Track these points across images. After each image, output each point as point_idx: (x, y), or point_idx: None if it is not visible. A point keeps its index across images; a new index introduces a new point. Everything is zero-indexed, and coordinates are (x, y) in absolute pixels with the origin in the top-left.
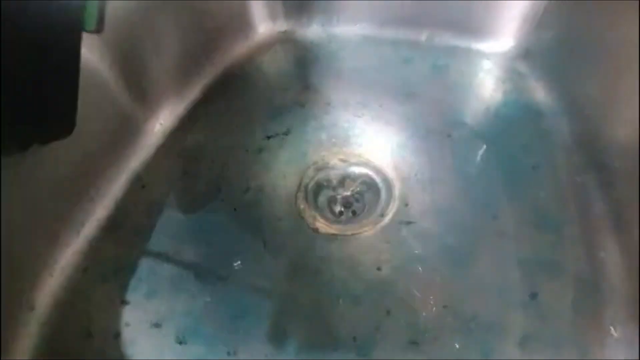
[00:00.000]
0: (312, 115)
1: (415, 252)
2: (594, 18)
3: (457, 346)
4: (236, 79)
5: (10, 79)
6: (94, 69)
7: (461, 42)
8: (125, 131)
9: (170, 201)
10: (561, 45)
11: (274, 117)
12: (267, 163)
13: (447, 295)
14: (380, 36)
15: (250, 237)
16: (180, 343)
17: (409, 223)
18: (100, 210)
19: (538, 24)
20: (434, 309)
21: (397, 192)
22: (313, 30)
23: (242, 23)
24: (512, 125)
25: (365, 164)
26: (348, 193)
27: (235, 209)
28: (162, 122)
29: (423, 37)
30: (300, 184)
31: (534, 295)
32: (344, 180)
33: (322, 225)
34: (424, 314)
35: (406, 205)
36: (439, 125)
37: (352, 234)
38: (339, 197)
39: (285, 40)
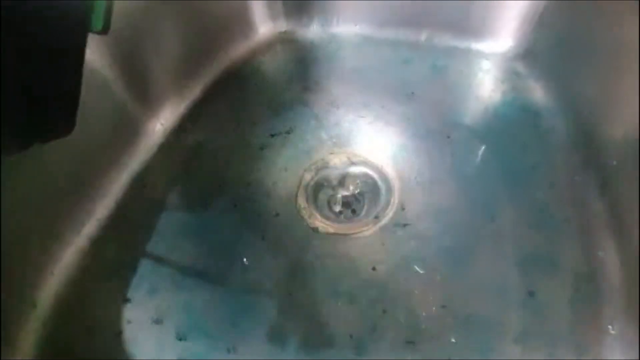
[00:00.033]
0: (313, 115)
1: (413, 251)
2: (593, 19)
3: (454, 346)
4: (237, 79)
5: (12, 76)
6: (94, 68)
7: (460, 43)
8: (126, 131)
9: (170, 200)
10: (560, 45)
11: (274, 117)
12: (268, 162)
13: (445, 295)
14: (380, 36)
15: (250, 235)
16: (181, 340)
17: (408, 223)
18: (101, 210)
19: (537, 24)
20: (433, 308)
21: (396, 192)
22: (313, 31)
23: (242, 23)
24: (511, 125)
25: (366, 164)
26: (348, 192)
27: (235, 205)
28: (162, 122)
29: (422, 37)
30: (300, 183)
31: (532, 294)
32: (344, 179)
33: (322, 225)
34: (423, 313)
35: (405, 205)
36: (438, 126)
37: (352, 233)
38: (338, 196)
39: (286, 40)
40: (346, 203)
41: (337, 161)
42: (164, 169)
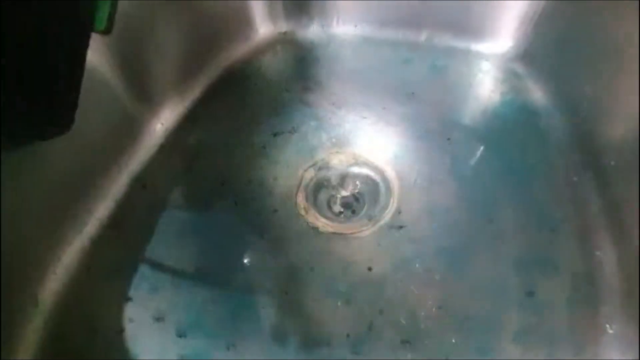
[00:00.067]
0: (313, 115)
1: (412, 251)
2: (592, 19)
3: (453, 346)
4: (237, 80)
5: (13, 74)
6: (94, 68)
7: (460, 43)
8: (126, 131)
9: (171, 200)
10: (559, 46)
11: (274, 117)
12: (268, 162)
13: (444, 295)
14: (380, 37)
15: (250, 234)
16: (181, 337)
17: (407, 223)
18: (102, 210)
19: (536, 25)
20: (430, 309)
21: (396, 192)
22: (313, 31)
23: (242, 24)
24: (510, 126)
25: (367, 165)
26: (348, 193)
27: (236, 203)
28: (163, 122)
29: (422, 38)
30: (300, 183)
31: (530, 294)
32: (344, 180)
33: (322, 224)
34: (422, 313)
35: (405, 205)
36: (438, 127)
37: (351, 233)
38: (338, 196)
39: (286, 41)
40: (346, 203)
41: (337, 161)
42: (164, 169)
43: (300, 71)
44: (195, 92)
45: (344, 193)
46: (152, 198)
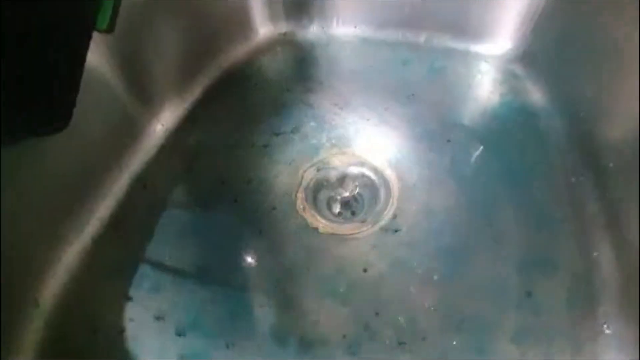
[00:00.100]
0: (313, 115)
1: (411, 252)
2: (591, 20)
3: (448, 347)
4: (237, 80)
5: (13, 70)
6: (95, 69)
7: (459, 44)
8: (126, 131)
9: (171, 200)
10: (558, 47)
11: (273, 118)
12: (268, 162)
13: (442, 295)
14: (380, 38)
15: (249, 233)
16: (181, 335)
17: (406, 224)
18: (103, 210)
19: (535, 26)
20: (429, 309)
21: (396, 193)
22: (313, 32)
23: (242, 25)
24: (510, 127)
25: (367, 166)
26: (348, 193)
27: (236, 200)
28: (163, 122)
29: (422, 39)
30: (300, 183)
31: (529, 294)
32: (344, 180)
33: (321, 225)
34: (420, 314)
35: (405, 205)
36: (437, 127)
37: (351, 234)
38: (338, 197)
39: (286, 42)
40: (346, 204)
41: (337, 162)
42: (164, 169)
43: (300, 72)
44: (195, 92)
45: (344, 194)
46: (152, 198)
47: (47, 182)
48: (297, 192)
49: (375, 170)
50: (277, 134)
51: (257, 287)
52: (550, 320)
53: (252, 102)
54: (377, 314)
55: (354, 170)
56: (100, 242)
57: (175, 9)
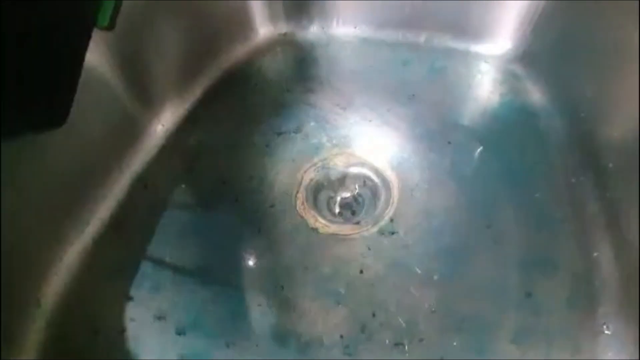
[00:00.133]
0: (313, 116)
1: (412, 252)
2: (592, 20)
3: (449, 347)
4: (237, 81)
5: (12, 65)
6: (95, 69)
7: (459, 45)
8: (127, 132)
9: (172, 200)
10: (558, 47)
11: (273, 118)
12: (269, 162)
13: (442, 296)
14: (380, 38)
15: (250, 235)
16: (182, 335)
17: (407, 224)
18: (104, 210)
19: (535, 26)
20: (429, 310)
21: (396, 193)
22: (313, 32)
23: (243, 25)
24: (510, 127)
25: (368, 166)
26: (348, 194)
27: (237, 200)
28: (163, 123)
29: (422, 39)
30: (300, 184)
31: (529, 295)
32: (345, 180)
33: (321, 225)
34: (421, 314)
35: (406, 206)
36: (438, 128)
37: (351, 234)
38: (338, 197)
39: (286, 42)
40: (346, 204)
41: (338, 162)
42: (165, 170)
43: (301, 72)
44: (195, 93)
45: (344, 194)
46: (153, 198)
47: (48, 182)
48: (297, 192)
49: (376, 170)
50: (278, 134)
51: (257, 287)
52: (550, 321)
53: (253, 102)
54: (374, 314)
55: (355, 170)
56: (101, 242)
57: (176, 9)
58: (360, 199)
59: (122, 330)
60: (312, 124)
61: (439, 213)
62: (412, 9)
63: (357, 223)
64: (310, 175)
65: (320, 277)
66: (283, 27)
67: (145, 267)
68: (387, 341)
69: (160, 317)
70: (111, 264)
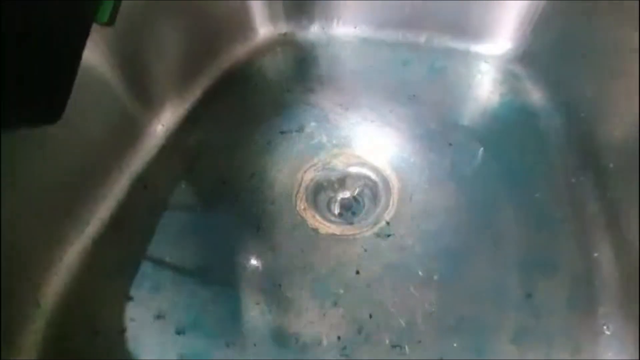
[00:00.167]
0: (313, 116)
1: (412, 253)
2: (592, 20)
3: (449, 347)
4: (237, 81)
5: (8, 60)
6: (95, 68)
7: (459, 45)
8: (127, 132)
9: (171, 200)
10: (558, 47)
11: (274, 118)
12: (269, 162)
13: (442, 296)
14: (380, 38)
15: (249, 235)
16: (181, 334)
17: (407, 225)
18: (103, 210)
19: (535, 26)
20: (430, 310)
21: (397, 193)
22: (313, 33)
23: (242, 25)
24: (510, 127)
25: (368, 166)
26: (349, 194)
27: (237, 198)
28: (163, 123)
29: (422, 39)
30: (300, 184)
31: (529, 295)
32: (344, 181)
33: (322, 225)
34: (420, 315)
35: (406, 206)
36: (438, 128)
37: (351, 234)
38: (339, 198)
39: (286, 42)
40: (346, 205)
41: (338, 162)
42: (165, 170)
43: (301, 72)
44: (195, 93)
45: (344, 194)
46: (153, 198)
47: (48, 182)
48: (297, 192)
49: (376, 171)
50: (278, 134)
51: (257, 287)
52: (550, 321)
53: (252, 102)
54: (371, 315)
55: (355, 170)
56: (101, 242)
57: (176, 9)
58: (360, 199)
59: (122, 330)
60: (313, 123)
61: (439, 213)
62: (412, 9)
63: (357, 223)
64: (310, 175)
65: (319, 278)
66: (283, 27)
67: (145, 267)
68: (386, 341)
69: (160, 317)
70: (111, 264)
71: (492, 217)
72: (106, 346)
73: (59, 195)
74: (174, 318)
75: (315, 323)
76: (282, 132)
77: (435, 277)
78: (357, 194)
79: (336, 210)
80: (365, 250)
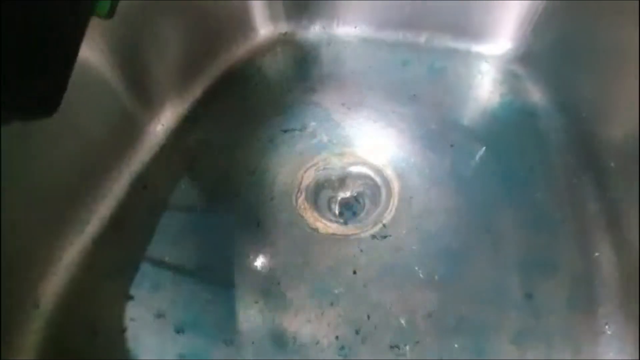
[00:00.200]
0: (313, 116)
1: (412, 253)
2: (592, 20)
3: (449, 347)
4: (237, 81)
5: (8, 52)
6: (95, 69)
7: (459, 45)
8: (127, 131)
9: (171, 199)
10: (558, 47)
11: (274, 118)
12: (269, 162)
13: (443, 297)
14: (380, 38)
15: (249, 234)
16: (180, 332)
17: (407, 225)
18: (103, 210)
19: (535, 26)
20: (430, 310)
21: (397, 193)
22: (314, 32)
23: (243, 25)
24: (510, 127)
25: (368, 166)
26: (349, 194)
27: (237, 196)
28: (163, 123)
29: (422, 39)
30: (300, 184)
31: (529, 296)
32: (344, 181)
33: (322, 225)
34: (420, 315)
35: (406, 206)
36: (438, 128)
37: (351, 234)
38: (339, 197)
39: (286, 42)
40: (346, 205)
41: (339, 162)
42: (164, 169)
43: (301, 72)
44: (195, 92)
45: (345, 194)
46: (153, 198)
47: (48, 182)
48: (297, 192)
49: (377, 171)
50: (278, 134)
51: (256, 287)
52: (551, 321)
53: (253, 102)
54: (369, 316)
55: (355, 170)
56: (100, 242)
57: (176, 8)
58: (360, 199)
59: (122, 330)
60: (313, 123)
61: (439, 213)
62: (412, 9)
63: (357, 223)
64: (310, 175)
65: (318, 278)
66: (283, 27)
67: (145, 266)
68: (385, 341)
69: (159, 316)
70: (111, 263)
71: (492, 217)
72: (106, 346)
73: (59, 195)
74: (174, 317)
75: (314, 322)
76: (282, 132)
77: (436, 277)
78: (358, 194)
79: (336, 210)
80: (365, 250)
